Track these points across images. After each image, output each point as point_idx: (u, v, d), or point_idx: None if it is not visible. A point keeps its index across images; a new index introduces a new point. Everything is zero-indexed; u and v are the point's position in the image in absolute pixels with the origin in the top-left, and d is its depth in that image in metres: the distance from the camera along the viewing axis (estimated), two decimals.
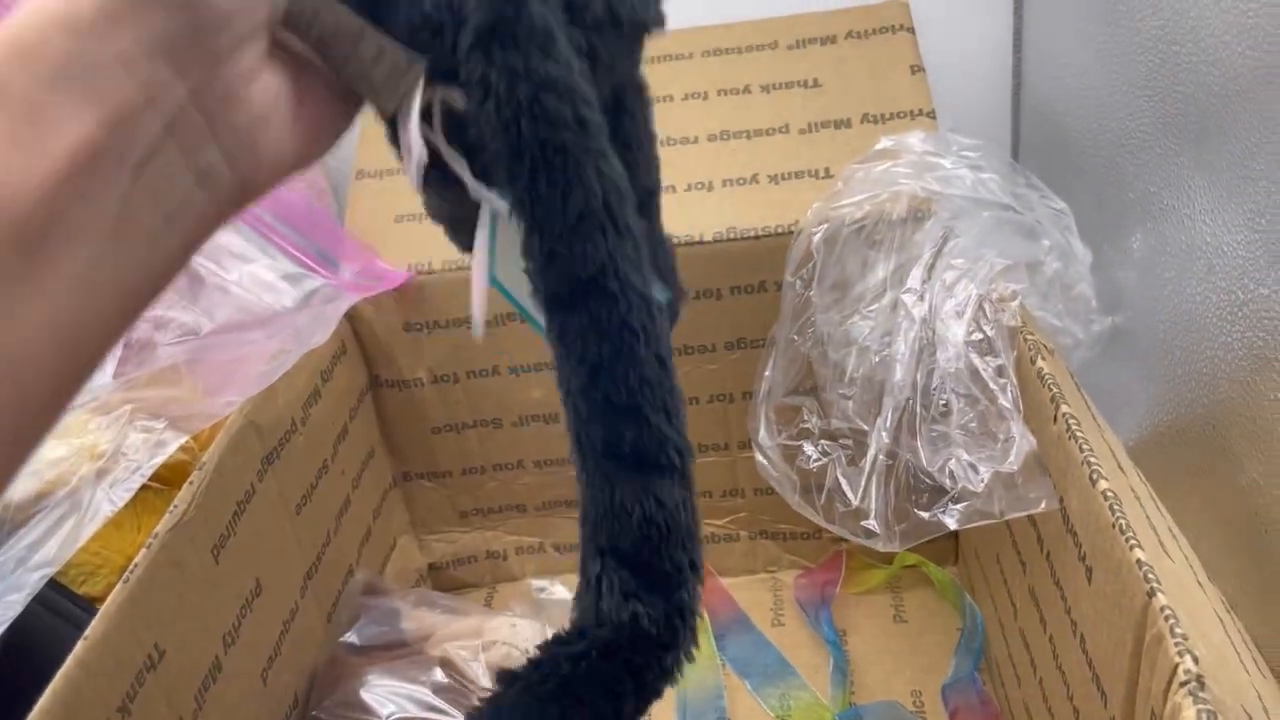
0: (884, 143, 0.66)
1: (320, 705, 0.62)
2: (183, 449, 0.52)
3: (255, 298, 0.51)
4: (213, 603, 0.53)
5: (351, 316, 0.72)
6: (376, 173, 0.76)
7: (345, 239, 0.59)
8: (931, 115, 0.72)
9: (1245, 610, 0.50)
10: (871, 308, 0.62)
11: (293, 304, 0.52)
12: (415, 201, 0.74)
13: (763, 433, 0.66)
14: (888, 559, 0.77)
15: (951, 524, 0.54)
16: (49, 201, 0.23)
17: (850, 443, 0.64)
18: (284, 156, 0.29)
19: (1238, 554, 0.54)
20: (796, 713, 0.69)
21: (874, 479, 0.60)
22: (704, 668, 0.72)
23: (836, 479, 0.63)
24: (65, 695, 0.42)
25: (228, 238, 0.51)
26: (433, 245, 0.72)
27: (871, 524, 0.60)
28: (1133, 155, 0.65)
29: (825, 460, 0.65)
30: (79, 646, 0.44)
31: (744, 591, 0.79)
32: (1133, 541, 0.41)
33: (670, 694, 0.44)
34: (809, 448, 0.66)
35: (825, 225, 0.64)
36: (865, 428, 0.61)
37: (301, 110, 0.29)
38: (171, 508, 0.51)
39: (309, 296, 0.54)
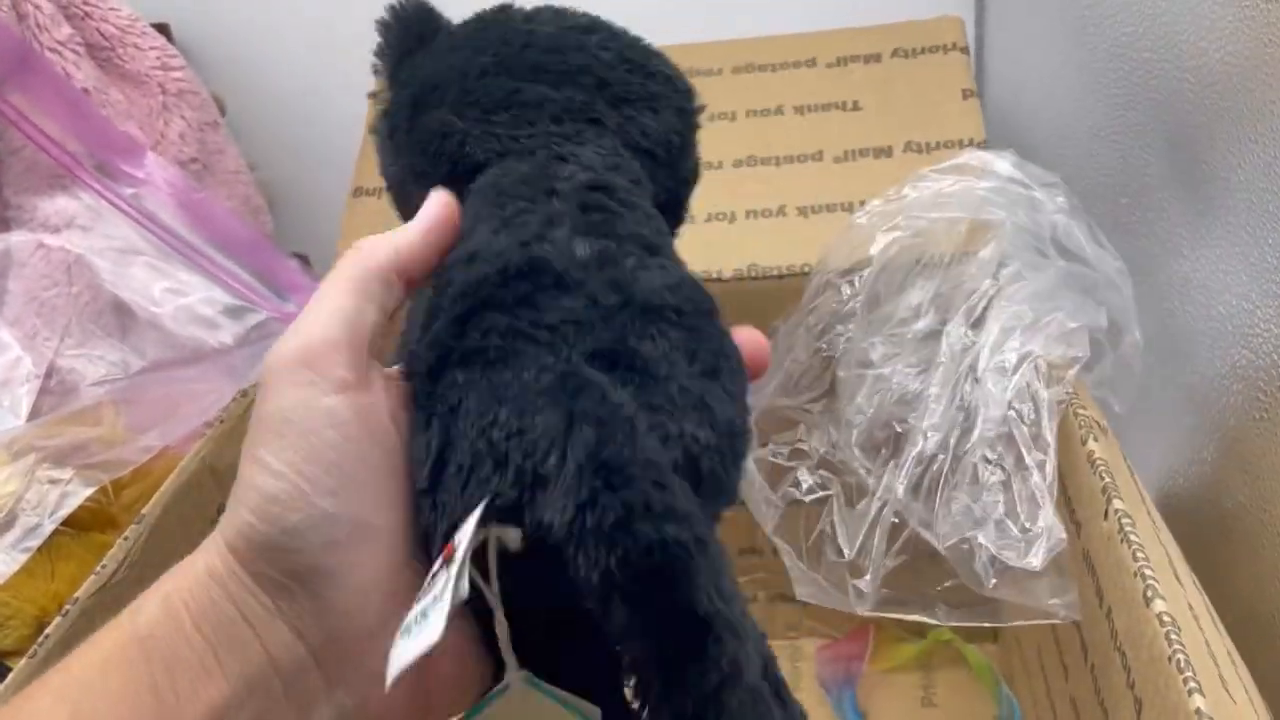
0: (966, 157, 0.56)
1: None
2: (100, 490, 0.47)
3: (190, 334, 0.46)
4: None
5: None
6: (375, 190, 0.71)
7: (291, 268, 0.54)
8: (983, 146, 0.64)
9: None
10: (899, 331, 0.53)
11: (232, 340, 0.47)
12: None
13: None
14: (920, 631, 0.69)
15: (944, 620, 0.47)
16: None
17: (852, 480, 0.54)
18: (395, 715, 0.28)
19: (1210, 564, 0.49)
20: None
21: (878, 531, 0.51)
22: None
23: (832, 521, 0.53)
24: None
25: (162, 269, 0.46)
26: None
27: (864, 584, 0.51)
28: (1101, 166, 0.61)
29: (822, 494, 0.55)
30: None
31: None
32: (1192, 684, 0.34)
33: None
34: (804, 475, 0.56)
35: (895, 233, 0.54)
36: (867, 467, 0.53)
37: (419, 677, 0.27)
38: (99, 568, 0.46)
39: (251, 332, 0.49)
